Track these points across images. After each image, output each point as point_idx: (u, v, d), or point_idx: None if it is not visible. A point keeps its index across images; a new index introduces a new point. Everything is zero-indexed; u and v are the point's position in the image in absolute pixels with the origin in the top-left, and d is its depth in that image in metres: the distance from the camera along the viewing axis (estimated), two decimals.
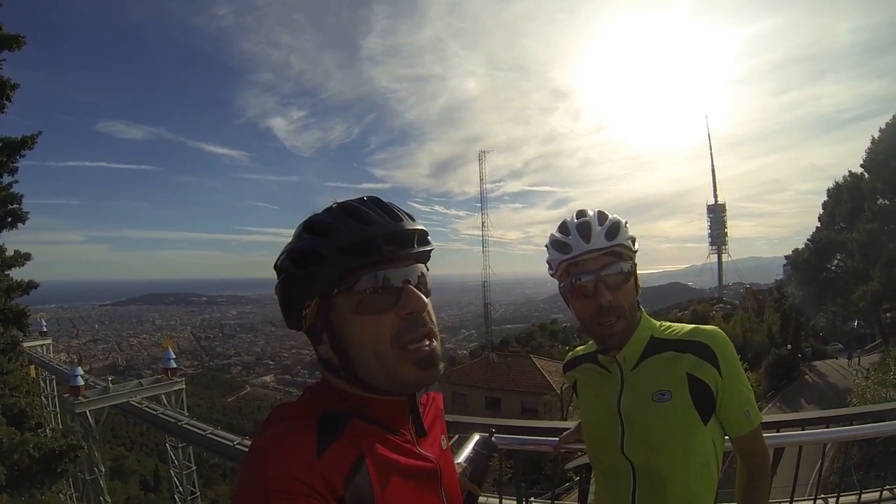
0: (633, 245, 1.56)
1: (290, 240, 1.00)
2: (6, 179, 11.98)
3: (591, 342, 1.77)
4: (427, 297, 0.98)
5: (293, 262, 0.95)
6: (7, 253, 12.27)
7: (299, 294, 0.96)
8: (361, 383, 0.94)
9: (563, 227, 1.59)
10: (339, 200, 0.99)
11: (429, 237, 1.02)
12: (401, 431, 1.00)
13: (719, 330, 1.56)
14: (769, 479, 1.64)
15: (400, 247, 0.95)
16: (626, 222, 1.57)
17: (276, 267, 0.99)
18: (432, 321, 0.97)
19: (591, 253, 1.50)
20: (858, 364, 25.75)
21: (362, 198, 0.99)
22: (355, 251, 0.91)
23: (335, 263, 0.91)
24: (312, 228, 0.96)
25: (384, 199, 1.00)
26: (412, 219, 0.99)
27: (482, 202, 45.39)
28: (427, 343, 0.94)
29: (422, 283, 0.99)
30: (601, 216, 1.55)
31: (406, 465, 0.95)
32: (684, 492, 1.49)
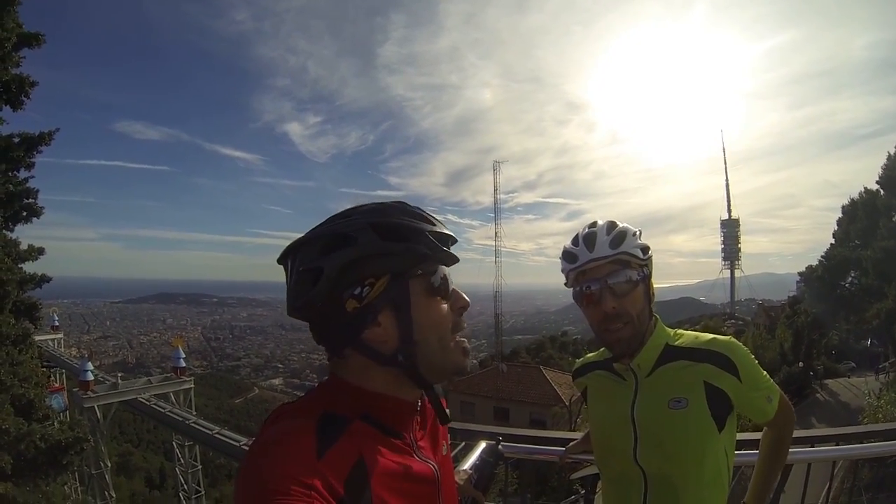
0: (643, 254, 1.56)
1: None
2: (22, 174, 12.13)
3: (602, 349, 1.78)
4: None
5: (380, 235, 0.92)
6: (21, 246, 12.43)
7: (372, 268, 0.92)
8: (413, 368, 0.95)
9: (574, 239, 1.61)
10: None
11: None
12: (403, 435, 0.99)
13: (735, 340, 1.58)
14: (789, 442, 1.78)
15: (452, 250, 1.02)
16: (638, 232, 1.58)
17: (342, 236, 0.92)
18: None
19: (596, 261, 1.52)
20: (888, 379, 25.23)
21: (417, 208, 1.03)
22: (442, 240, 0.98)
23: (430, 245, 0.95)
24: (400, 210, 0.98)
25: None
26: None
27: (496, 212, 45.64)
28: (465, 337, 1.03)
29: None
30: (610, 226, 1.57)
31: (405, 469, 0.94)
32: (696, 500, 1.50)
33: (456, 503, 1.12)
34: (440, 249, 0.96)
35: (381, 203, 0.98)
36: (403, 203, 1.00)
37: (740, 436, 1.74)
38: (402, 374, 0.95)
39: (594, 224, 1.60)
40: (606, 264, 1.52)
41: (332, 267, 0.90)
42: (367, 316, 0.92)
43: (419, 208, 1.01)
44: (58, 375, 30.32)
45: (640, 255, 1.55)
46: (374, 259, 0.91)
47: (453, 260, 1.01)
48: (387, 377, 0.95)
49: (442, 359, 0.97)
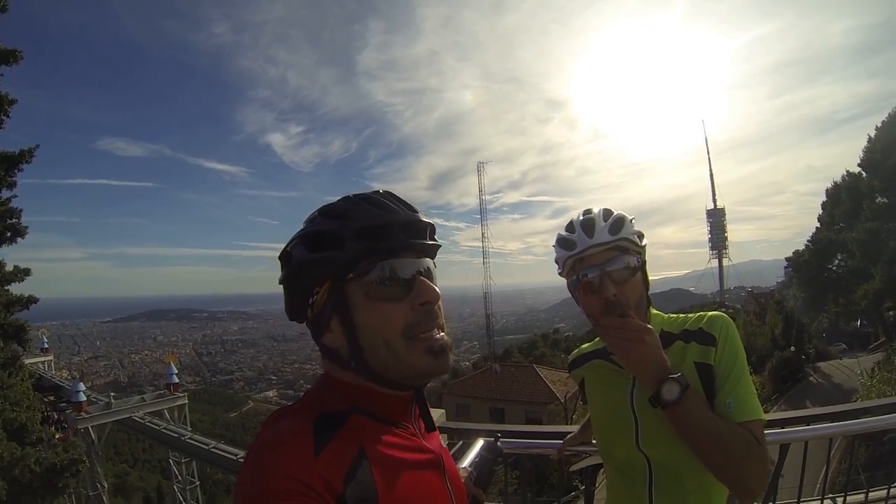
0: (640, 240, 1.54)
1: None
2: (5, 194, 12.04)
3: (597, 339, 1.75)
4: None
5: (307, 246, 0.93)
6: (7, 268, 12.30)
7: (310, 279, 0.93)
8: (371, 373, 0.92)
9: (570, 226, 1.57)
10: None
11: (436, 233, 1.02)
12: (405, 425, 0.98)
13: (721, 314, 1.55)
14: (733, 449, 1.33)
15: (415, 237, 0.95)
16: (633, 219, 1.55)
17: (283, 254, 0.97)
18: (441, 315, 0.96)
19: (595, 248, 1.48)
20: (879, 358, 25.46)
21: (377, 190, 0.99)
22: (373, 235, 0.91)
23: (353, 247, 0.90)
24: (328, 213, 0.96)
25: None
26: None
27: (481, 213, 45.87)
28: (438, 333, 0.93)
29: (431, 276, 0.97)
30: (606, 213, 1.54)
31: (410, 458, 0.93)
32: (701, 482, 1.48)
33: (461, 488, 1.10)
34: (371, 245, 0.91)
35: (319, 209, 0.99)
36: (342, 200, 0.98)
37: None
38: (368, 378, 0.94)
39: (589, 211, 1.56)
40: (605, 251, 1.48)
41: (287, 281, 0.97)
42: (320, 323, 0.95)
43: (356, 198, 0.97)
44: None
45: (638, 241, 1.53)
46: (312, 269, 0.93)
47: (407, 250, 0.94)
48: (358, 379, 0.94)
49: (396, 362, 0.91)
